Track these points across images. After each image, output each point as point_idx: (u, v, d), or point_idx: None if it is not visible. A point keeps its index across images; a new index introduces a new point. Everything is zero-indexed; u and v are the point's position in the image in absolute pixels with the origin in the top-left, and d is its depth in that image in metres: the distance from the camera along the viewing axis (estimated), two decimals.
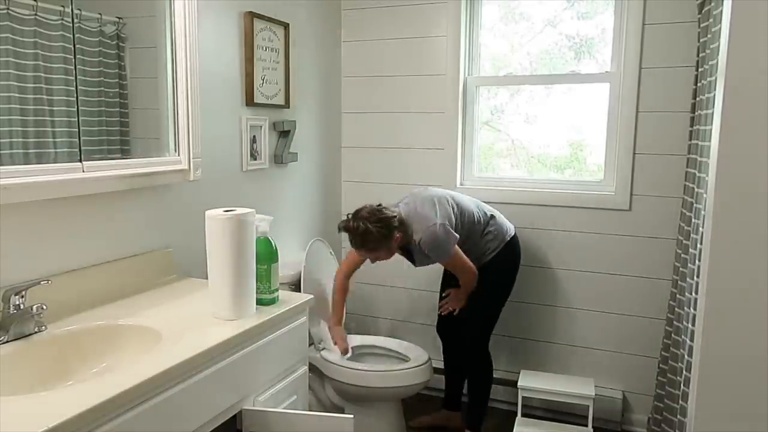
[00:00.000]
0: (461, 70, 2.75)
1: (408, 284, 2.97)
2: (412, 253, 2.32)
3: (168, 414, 1.21)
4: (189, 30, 1.77)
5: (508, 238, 2.40)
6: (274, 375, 1.59)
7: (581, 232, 2.63)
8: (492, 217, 2.41)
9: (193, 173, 1.84)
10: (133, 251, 1.75)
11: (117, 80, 1.65)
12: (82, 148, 1.53)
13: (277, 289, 1.64)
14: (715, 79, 1.62)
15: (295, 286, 2.36)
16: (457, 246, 2.24)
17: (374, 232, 2.14)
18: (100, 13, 1.58)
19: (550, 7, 2.66)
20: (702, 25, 2.10)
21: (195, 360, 1.26)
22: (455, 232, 2.24)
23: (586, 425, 2.52)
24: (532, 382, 2.59)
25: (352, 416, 1.47)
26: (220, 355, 1.35)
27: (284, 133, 2.48)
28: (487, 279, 2.37)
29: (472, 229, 2.34)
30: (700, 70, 2.14)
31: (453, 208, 2.28)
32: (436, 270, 2.90)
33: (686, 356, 1.89)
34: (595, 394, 2.50)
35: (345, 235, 3.08)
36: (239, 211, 1.48)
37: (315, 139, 2.78)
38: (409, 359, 2.41)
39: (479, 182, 2.83)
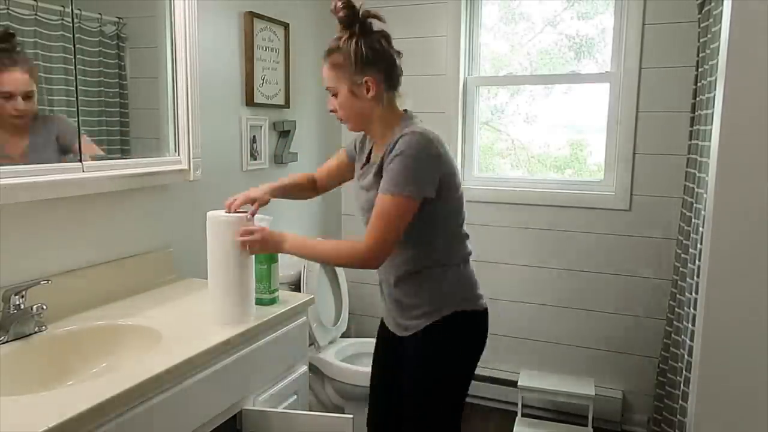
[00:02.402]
0: (461, 70, 2.75)
1: None
2: (365, 170, 1.54)
3: (168, 414, 1.21)
4: (189, 30, 1.77)
5: (480, 308, 1.53)
6: (274, 375, 1.59)
7: (581, 232, 2.63)
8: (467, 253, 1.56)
9: (193, 173, 1.84)
10: (133, 251, 1.75)
11: (117, 80, 1.65)
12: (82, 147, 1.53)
13: (277, 289, 1.64)
14: (715, 79, 1.62)
15: (295, 286, 2.37)
16: (415, 206, 1.37)
17: (349, 47, 1.41)
18: (100, 13, 1.58)
19: (550, 7, 2.66)
20: (702, 25, 2.10)
21: (195, 360, 1.26)
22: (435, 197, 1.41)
23: (586, 425, 2.52)
24: (532, 382, 2.59)
25: (351, 416, 1.47)
26: (220, 355, 1.35)
27: (284, 133, 2.48)
28: (438, 355, 1.49)
29: (448, 228, 1.50)
30: (700, 70, 2.14)
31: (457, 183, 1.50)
32: None
33: (686, 356, 1.89)
34: (595, 394, 2.50)
35: (345, 235, 3.09)
36: (240, 211, 1.48)
37: (315, 139, 2.78)
38: None
39: (479, 182, 2.83)
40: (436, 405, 1.51)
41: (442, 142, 1.46)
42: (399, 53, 1.50)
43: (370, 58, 1.42)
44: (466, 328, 1.51)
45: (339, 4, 1.40)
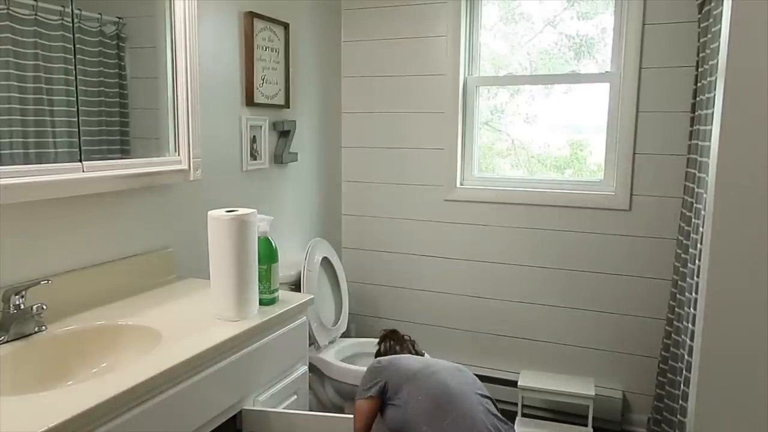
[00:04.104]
0: (461, 70, 2.75)
1: (411, 285, 2.97)
2: None
3: (168, 414, 1.21)
4: (189, 30, 1.77)
5: None
6: (274, 375, 1.59)
7: (581, 232, 2.63)
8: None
9: (193, 173, 1.84)
10: (133, 251, 1.75)
11: (117, 80, 1.65)
12: (82, 148, 1.53)
13: (277, 289, 1.64)
14: (715, 79, 1.62)
15: (295, 286, 2.37)
16: (366, 401, 1.84)
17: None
18: (100, 13, 1.58)
19: (550, 7, 2.66)
20: (702, 25, 2.10)
21: (195, 360, 1.26)
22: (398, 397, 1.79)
23: (586, 425, 2.52)
24: (532, 382, 2.59)
25: (352, 416, 1.47)
26: (220, 355, 1.35)
27: (284, 133, 2.48)
28: None
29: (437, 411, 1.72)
30: (700, 70, 2.14)
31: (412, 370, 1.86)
32: (437, 270, 2.90)
33: (686, 356, 1.89)
34: (595, 394, 2.50)
35: (345, 235, 3.10)
36: (241, 211, 1.48)
37: (315, 139, 2.78)
38: None
39: (479, 182, 2.83)
40: None
41: (389, 362, 1.92)
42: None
43: None
44: None
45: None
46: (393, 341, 2.17)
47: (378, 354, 2.16)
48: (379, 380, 1.86)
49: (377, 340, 2.22)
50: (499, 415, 1.80)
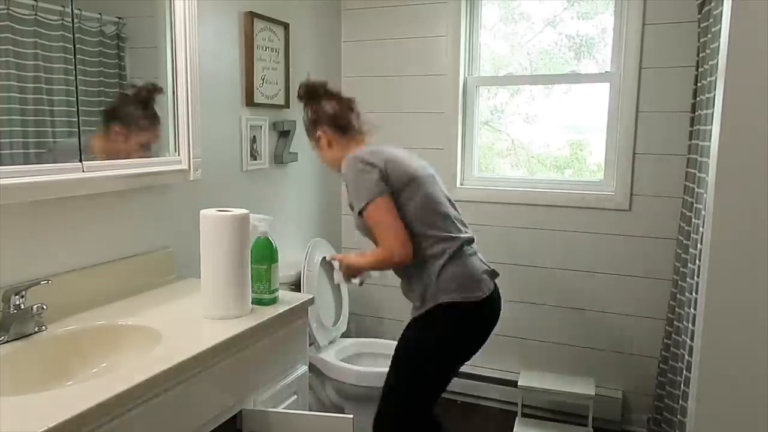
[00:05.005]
0: (461, 70, 2.75)
1: None
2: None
3: (168, 414, 1.21)
4: (189, 30, 1.77)
5: (483, 294, 1.68)
6: (274, 375, 1.59)
7: (581, 232, 2.63)
8: (468, 239, 1.76)
9: (193, 173, 1.84)
10: (133, 251, 1.75)
11: (117, 80, 1.65)
12: (82, 147, 1.53)
13: (277, 289, 1.64)
14: (715, 79, 1.62)
15: (295, 286, 2.37)
16: (386, 202, 1.64)
17: (306, 114, 1.87)
18: (100, 13, 1.58)
19: (550, 7, 2.66)
20: (702, 25, 2.10)
21: (195, 360, 1.26)
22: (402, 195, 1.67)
23: (586, 425, 2.52)
24: (532, 382, 2.59)
25: (352, 416, 1.47)
26: (220, 355, 1.35)
27: (284, 133, 2.48)
28: (417, 343, 1.72)
29: (427, 215, 1.70)
30: (700, 70, 2.14)
31: (404, 165, 1.73)
32: None
33: (686, 356, 1.89)
34: (595, 394, 2.50)
35: (344, 235, 3.10)
36: (234, 211, 1.49)
37: None
38: None
39: (479, 182, 2.83)
40: (406, 383, 1.74)
41: (382, 153, 1.72)
42: (349, 104, 1.88)
43: (316, 118, 1.85)
44: (449, 320, 1.69)
45: (299, 90, 1.90)
46: (337, 103, 1.85)
47: (315, 116, 1.85)
48: (383, 183, 1.66)
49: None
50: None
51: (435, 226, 1.70)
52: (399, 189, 1.68)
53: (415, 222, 1.68)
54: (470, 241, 1.78)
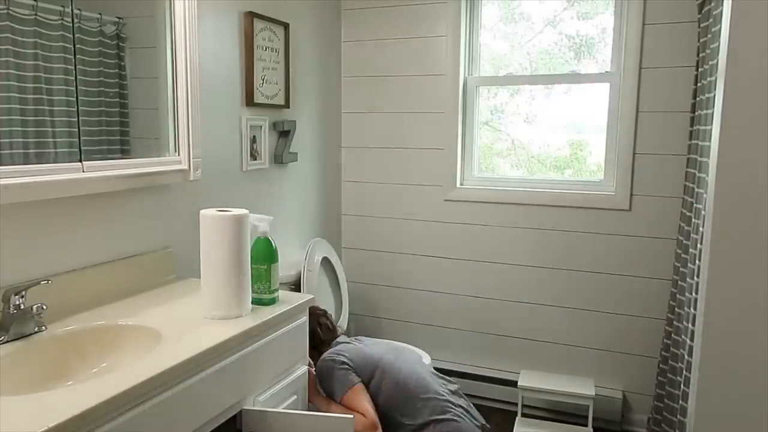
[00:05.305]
0: (461, 70, 2.75)
1: (411, 285, 2.97)
2: None
3: (168, 414, 1.21)
4: (189, 30, 1.77)
5: None
6: (274, 375, 1.59)
7: (581, 232, 2.63)
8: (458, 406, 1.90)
9: (193, 173, 1.84)
10: (133, 251, 1.75)
11: (117, 80, 1.65)
12: (82, 148, 1.53)
13: (277, 289, 1.64)
14: (715, 79, 1.62)
15: (295, 286, 2.37)
16: (354, 388, 1.78)
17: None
18: (100, 13, 1.58)
19: (550, 7, 2.66)
20: (702, 25, 2.10)
21: (195, 360, 1.26)
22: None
23: (586, 425, 2.52)
24: (532, 382, 2.59)
25: (352, 416, 1.47)
26: (220, 355, 1.35)
27: (284, 133, 2.48)
28: None
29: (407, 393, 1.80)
30: (700, 70, 2.14)
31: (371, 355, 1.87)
32: (437, 270, 2.90)
33: (686, 356, 1.89)
34: (595, 394, 2.50)
35: (345, 235, 3.10)
36: (234, 211, 1.49)
37: (315, 139, 2.78)
38: None
39: (479, 182, 2.83)
40: None
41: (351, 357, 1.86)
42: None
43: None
44: None
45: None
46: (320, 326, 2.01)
47: (324, 342, 1.99)
48: (353, 375, 1.81)
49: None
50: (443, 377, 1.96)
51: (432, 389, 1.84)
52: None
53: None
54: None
